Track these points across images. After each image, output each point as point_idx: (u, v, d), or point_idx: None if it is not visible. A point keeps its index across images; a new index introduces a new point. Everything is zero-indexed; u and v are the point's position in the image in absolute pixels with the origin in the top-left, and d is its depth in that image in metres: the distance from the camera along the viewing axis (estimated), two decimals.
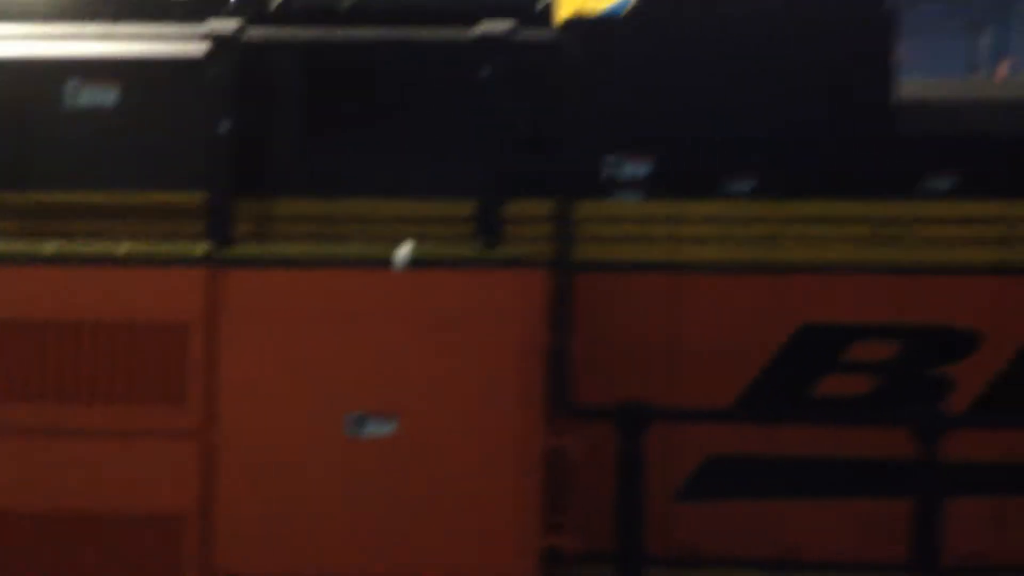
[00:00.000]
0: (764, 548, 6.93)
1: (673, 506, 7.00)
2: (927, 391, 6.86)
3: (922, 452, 6.09)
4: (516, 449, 6.27)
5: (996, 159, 6.87)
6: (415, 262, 6.38)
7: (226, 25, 6.83)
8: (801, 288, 6.96)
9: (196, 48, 6.91)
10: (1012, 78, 17.91)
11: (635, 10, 7.24)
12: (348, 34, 7.08)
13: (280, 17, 7.28)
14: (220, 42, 6.78)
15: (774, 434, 6.95)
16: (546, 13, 7.15)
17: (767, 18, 7.09)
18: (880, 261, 6.90)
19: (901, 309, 6.89)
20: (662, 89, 7.08)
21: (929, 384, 6.87)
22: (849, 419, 6.83)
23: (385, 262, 6.40)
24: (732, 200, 7.01)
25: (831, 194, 6.94)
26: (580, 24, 7.24)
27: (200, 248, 6.60)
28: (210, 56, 6.82)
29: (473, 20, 6.83)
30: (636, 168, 7.08)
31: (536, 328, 6.39)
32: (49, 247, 6.59)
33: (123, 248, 6.58)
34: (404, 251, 6.43)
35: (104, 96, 7.12)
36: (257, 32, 7.04)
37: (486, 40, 6.69)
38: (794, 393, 6.96)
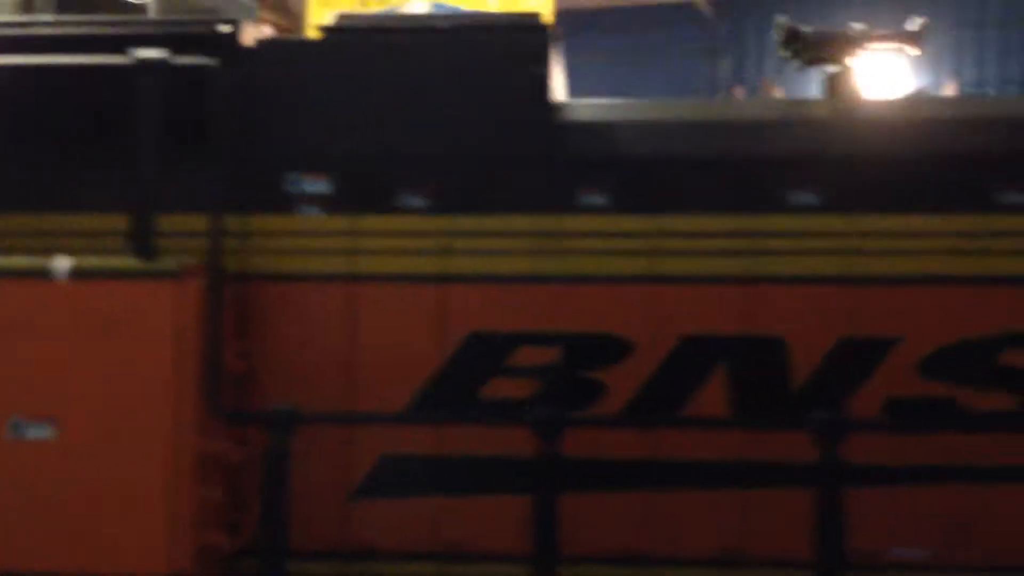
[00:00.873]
0: (434, 543, 7.32)
1: (349, 504, 7.36)
2: (584, 394, 7.30)
3: (543, 450, 6.49)
4: (169, 452, 6.61)
5: (646, 177, 7.37)
6: (74, 273, 6.68)
7: None
8: (469, 298, 7.37)
9: None
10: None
11: (318, 35, 7.63)
12: (15, 60, 7.35)
13: None
14: None
15: (445, 434, 7.35)
16: (229, 39, 7.44)
17: (438, 43, 7.52)
18: (541, 272, 7.34)
19: (560, 317, 7.34)
20: (341, 109, 7.46)
21: (586, 388, 7.31)
22: (474, 418, 7.27)
23: (45, 273, 6.68)
24: (406, 215, 7.41)
25: (497, 209, 7.38)
26: (267, 47, 7.59)
27: None
28: None
29: (165, 46, 7.16)
30: (316, 184, 7.44)
31: (189, 337, 6.74)
32: None
33: None
34: (62, 263, 6.72)
35: None
36: None
37: (141, 64, 7.01)
38: (464, 396, 7.35)
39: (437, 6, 16.68)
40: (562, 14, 19.13)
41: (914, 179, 7.28)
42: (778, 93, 20.55)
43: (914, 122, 7.54)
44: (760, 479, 7.19)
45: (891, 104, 8.06)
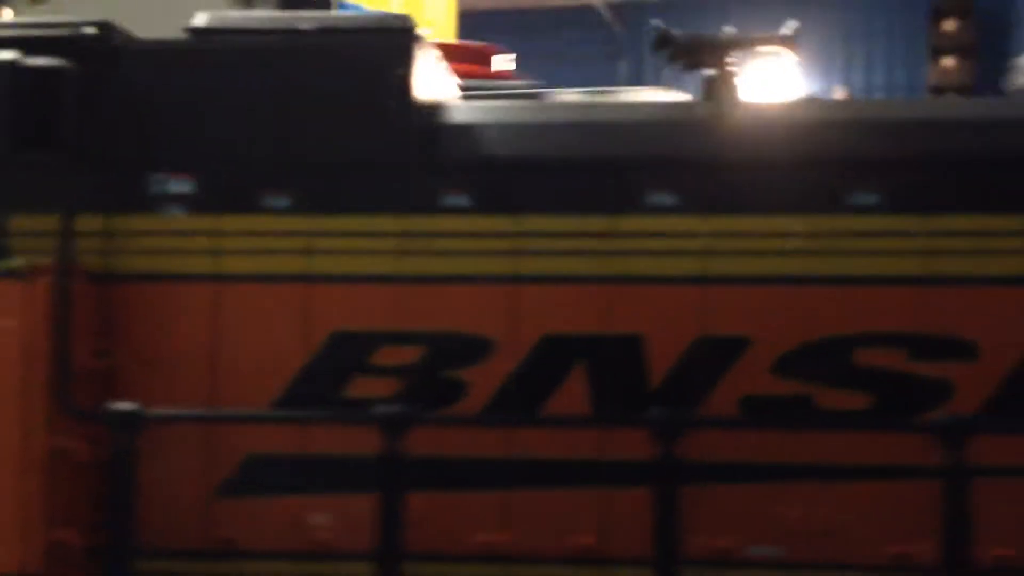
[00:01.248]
0: (299, 541, 7.36)
1: (214, 502, 7.39)
2: (446, 393, 7.37)
3: (387, 447, 6.55)
4: (18, 450, 6.61)
5: (509, 178, 7.45)
6: None
7: None
8: (332, 297, 7.42)
9: None
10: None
11: (185, 37, 7.66)
12: None
13: None
14: None
15: (309, 434, 7.39)
16: (96, 41, 7.47)
17: (303, 44, 7.57)
18: (404, 272, 7.41)
19: (422, 317, 7.41)
20: (207, 110, 7.51)
21: (447, 386, 7.38)
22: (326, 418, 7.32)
23: None
24: (269, 215, 7.46)
25: (359, 210, 7.44)
26: (134, 48, 7.61)
27: None
28: None
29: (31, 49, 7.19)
30: (180, 184, 7.47)
31: (38, 335, 6.75)
32: None
33: None
34: None
35: None
36: None
37: None
38: (328, 395, 7.40)
39: (341, 5, 16.71)
40: (463, 15, 19.23)
41: (770, 181, 7.40)
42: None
43: (772, 125, 7.67)
44: (611, 477, 7.28)
45: (755, 108, 8.16)
